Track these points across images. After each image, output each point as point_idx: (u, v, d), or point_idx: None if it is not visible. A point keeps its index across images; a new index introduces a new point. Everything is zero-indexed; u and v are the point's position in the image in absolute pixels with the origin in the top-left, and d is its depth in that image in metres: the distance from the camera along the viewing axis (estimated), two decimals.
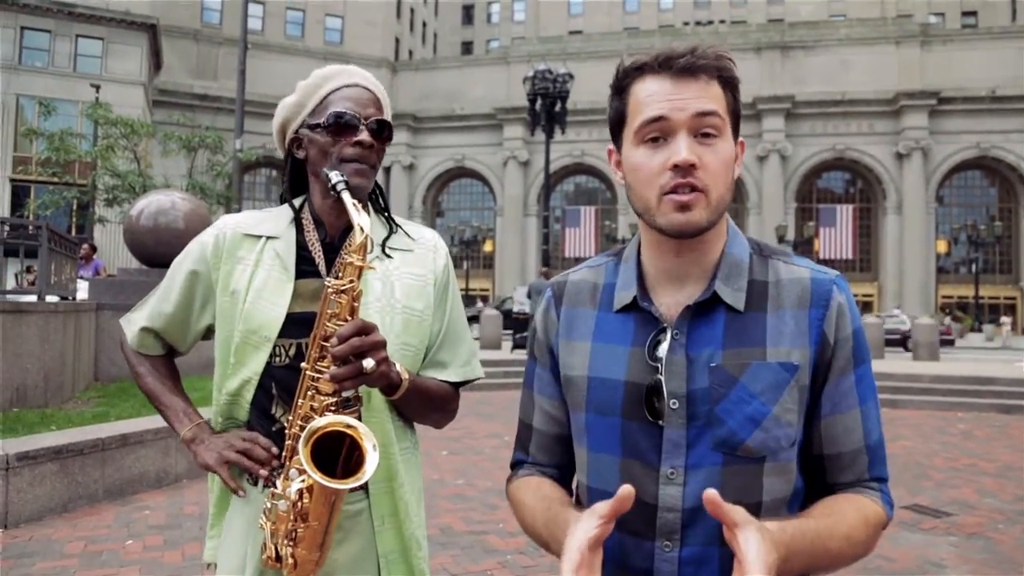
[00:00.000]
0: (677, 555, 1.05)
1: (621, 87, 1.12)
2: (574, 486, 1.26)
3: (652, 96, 1.06)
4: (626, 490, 0.92)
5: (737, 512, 0.89)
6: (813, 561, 0.99)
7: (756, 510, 1.04)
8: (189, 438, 1.46)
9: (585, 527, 0.94)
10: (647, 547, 1.06)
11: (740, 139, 1.12)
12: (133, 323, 1.57)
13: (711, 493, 0.89)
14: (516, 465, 1.30)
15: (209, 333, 1.55)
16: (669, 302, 1.11)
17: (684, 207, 1.03)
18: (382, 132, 1.47)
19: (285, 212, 1.53)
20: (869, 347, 1.13)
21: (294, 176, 1.56)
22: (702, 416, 1.05)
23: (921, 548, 4.57)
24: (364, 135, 1.42)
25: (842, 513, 1.04)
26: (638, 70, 1.09)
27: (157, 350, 1.58)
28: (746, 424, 1.03)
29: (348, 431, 1.23)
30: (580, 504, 1.20)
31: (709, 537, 1.03)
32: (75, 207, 26.08)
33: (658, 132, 1.05)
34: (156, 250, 8.69)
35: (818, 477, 1.12)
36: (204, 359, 1.55)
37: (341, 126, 1.42)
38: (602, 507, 0.94)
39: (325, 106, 1.45)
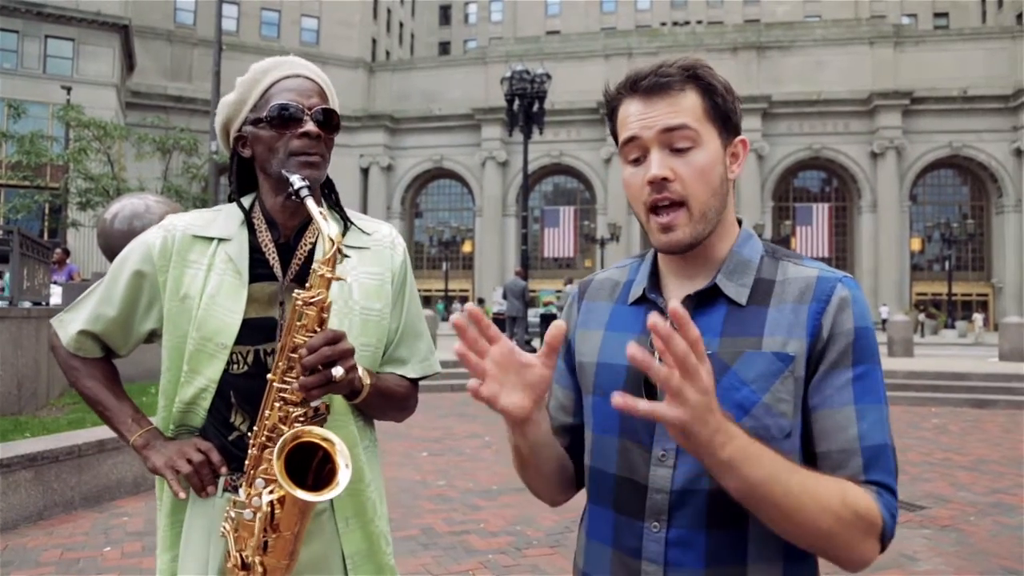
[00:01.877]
0: (664, 536, 1.07)
1: (611, 110, 1.17)
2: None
3: (628, 118, 1.12)
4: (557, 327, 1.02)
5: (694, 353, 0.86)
6: (765, 482, 0.92)
7: None
8: (141, 444, 1.40)
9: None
10: (637, 527, 1.10)
11: (741, 137, 1.15)
12: (68, 325, 1.48)
13: (674, 306, 0.87)
14: None
15: (152, 337, 1.49)
16: (678, 295, 1.15)
17: (667, 228, 1.09)
18: (329, 122, 1.42)
19: (235, 212, 1.47)
20: (876, 349, 1.09)
21: (241, 175, 1.51)
22: None
23: (895, 541, 4.58)
24: (310, 126, 1.38)
25: (818, 475, 0.99)
26: (619, 94, 1.15)
27: (95, 352, 1.49)
28: (735, 411, 1.04)
29: (324, 445, 1.22)
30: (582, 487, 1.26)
31: (696, 520, 1.06)
32: (47, 211, 25.74)
33: (636, 151, 1.11)
34: None
35: None
36: (151, 365, 1.51)
37: (285, 119, 1.37)
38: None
39: (267, 99, 1.40)
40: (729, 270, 1.13)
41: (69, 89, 27.52)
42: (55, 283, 10.01)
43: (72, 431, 5.54)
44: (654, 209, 1.10)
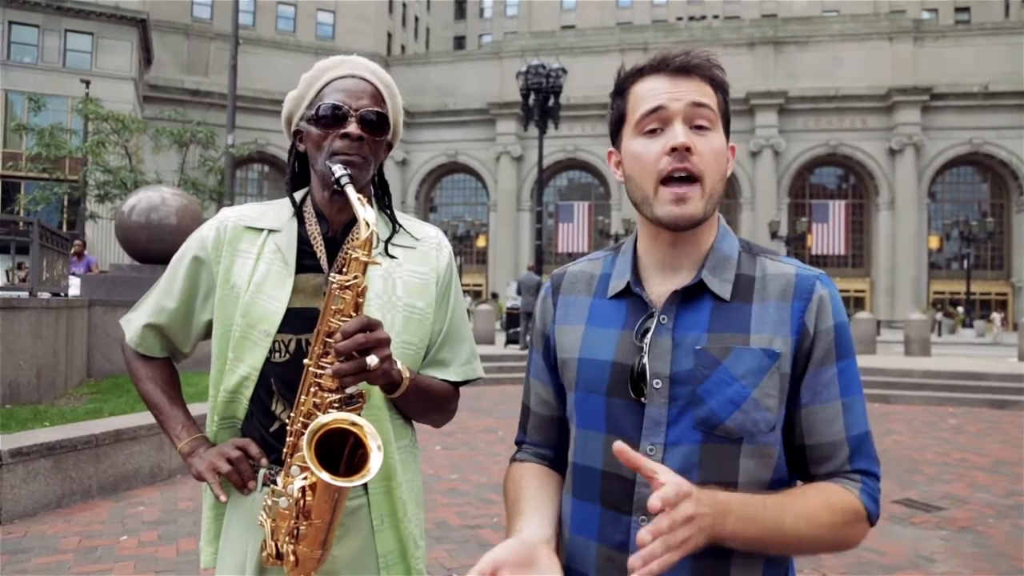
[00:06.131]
0: None
1: (622, 89, 1.19)
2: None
3: (653, 91, 1.13)
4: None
5: (657, 466, 0.95)
6: (766, 533, 1.02)
7: (731, 490, 1.07)
8: (187, 451, 1.44)
9: (505, 546, 1.02)
10: (624, 520, 1.11)
11: (731, 144, 1.19)
12: (133, 321, 1.53)
13: (619, 444, 0.94)
14: (518, 444, 1.37)
15: (210, 330, 1.52)
16: (660, 290, 1.16)
17: (680, 199, 1.10)
18: (378, 124, 1.42)
19: (287, 205, 1.50)
20: (852, 342, 1.17)
21: (297, 169, 1.54)
22: (684, 396, 1.10)
23: (912, 542, 4.60)
24: (352, 127, 1.38)
25: (802, 495, 1.09)
26: (638, 72, 1.17)
27: (157, 351, 1.54)
28: (726, 405, 1.08)
29: (353, 429, 1.22)
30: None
31: None
32: (66, 203, 25.92)
33: (656, 122, 1.12)
34: (148, 246, 8.66)
35: (802, 468, 1.16)
36: (197, 354, 1.55)
37: (329, 118, 1.39)
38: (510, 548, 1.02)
39: (320, 98, 1.42)
40: (712, 265, 1.15)
41: (88, 83, 27.73)
42: (74, 274, 10.10)
43: (90, 420, 5.59)
44: (666, 180, 1.11)
